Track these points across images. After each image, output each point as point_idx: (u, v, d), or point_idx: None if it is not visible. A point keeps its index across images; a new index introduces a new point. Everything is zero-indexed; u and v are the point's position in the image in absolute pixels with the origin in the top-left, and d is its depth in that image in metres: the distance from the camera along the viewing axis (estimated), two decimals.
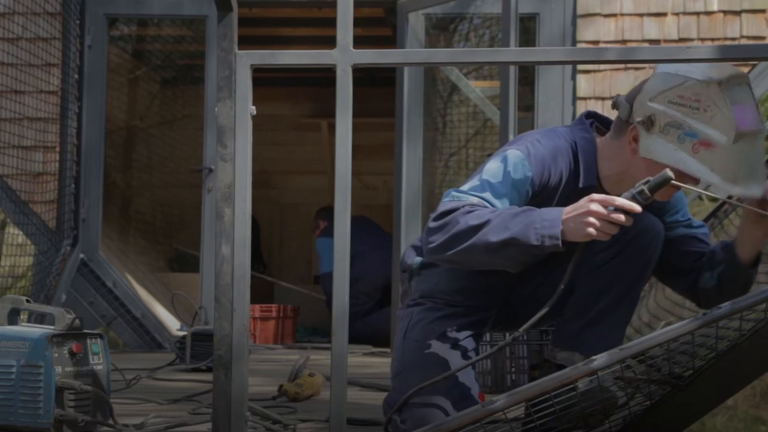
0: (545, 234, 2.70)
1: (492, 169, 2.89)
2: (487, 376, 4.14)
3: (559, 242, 2.70)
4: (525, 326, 2.83)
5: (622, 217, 2.67)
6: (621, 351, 2.62)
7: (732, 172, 2.72)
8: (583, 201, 2.71)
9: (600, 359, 2.62)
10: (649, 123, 2.80)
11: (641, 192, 2.68)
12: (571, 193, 2.96)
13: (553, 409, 2.72)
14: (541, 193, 2.92)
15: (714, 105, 2.72)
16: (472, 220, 2.76)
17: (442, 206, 2.84)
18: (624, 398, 2.91)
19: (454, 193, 2.88)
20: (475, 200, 2.83)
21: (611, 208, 2.67)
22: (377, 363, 5.69)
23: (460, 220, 2.78)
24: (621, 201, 2.68)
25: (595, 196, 2.70)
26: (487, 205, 2.83)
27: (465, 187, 2.90)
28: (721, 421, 7.38)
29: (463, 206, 2.80)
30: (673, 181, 2.67)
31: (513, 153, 2.90)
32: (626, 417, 3.01)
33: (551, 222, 2.70)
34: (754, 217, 2.90)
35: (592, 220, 2.67)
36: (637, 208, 2.68)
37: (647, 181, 2.69)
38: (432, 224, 2.84)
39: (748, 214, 2.91)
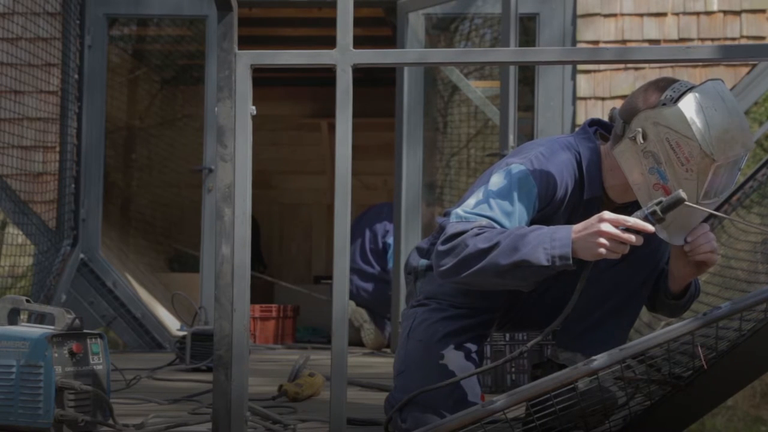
0: (555, 254, 2.69)
1: (497, 184, 2.87)
2: (487, 376, 4.14)
3: (570, 262, 2.69)
4: (531, 343, 2.84)
5: (633, 237, 2.67)
6: (621, 351, 2.63)
7: (669, 218, 2.73)
8: (593, 219, 2.70)
9: (600, 359, 2.62)
10: (641, 137, 2.79)
11: (653, 212, 2.68)
12: (576, 204, 2.96)
13: (554, 409, 2.72)
14: (547, 207, 2.91)
15: (696, 173, 2.73)
16: (481, 243, 2.76)
17: (451, 228, 2.83)
18: (624, 398, 2.91)
19: (461, 213, 2.86)
20: (484, 221, 2.82)
21: (622, 227, 2.67)
22: (377, 363, 5.69)
23: (469, 243, 2.77)
24: (633, 221, 2.67)
25: (605, 215, 2.69)
26: (496, 225, 2.82)
27: (470, 205, 2.87)
28: (721, 421, 7.39)
29: (472, 228, 2.80)
30: (687, 203, 2.67)
31: (517, 167, 2.88)
32: (626, 417, 3.02)
33: (561, 242, 2.70)
34: (676, 254, 2.92)
35: (602, 240, 2.67)
36: (650, 228, 2.67)
37: (660, 202, 2.68)
38: (441, 247, 2.83)
39: (673, 250, 2.94)
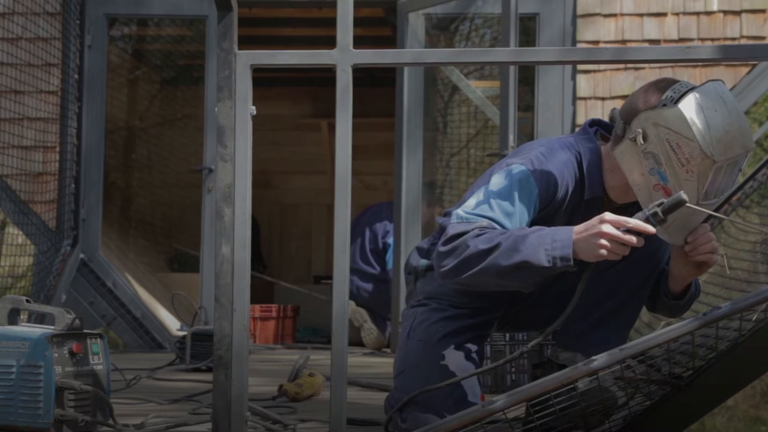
0: (557, 255, 2.69)
1: (497, 185, 2.87)
2: (487, 376, 4.14)
3: (572, 263, 2.70)
4: (531, 343, 2.84)
5: (634, 239, 2.67)
6: (621, 351, 2.63)
7: (669, 219, 2.72)
8: (594, 221, 2.70)
9: (600, 359, 2.62)
10: (641, 137, 2.79)
11: (655, 214, 2.68)
12: (576, 204, 2.95)
13: (554, 409, 2.72)
14: (548, 207, 2.91)
15: (696, 174, 2.73)
16: (482, 243, 2.75)
17: (452, 229, 2.83)
18: (624, 398, 2.91)
19: (461, 214, 2.86)
20: (485, 222, 2.82)
21: (623, 229, 2.67)
22: (377, 363, 5.69)
23: (470, 244, 2.77)
24: (634, 222, 2.67)
25: (607, 216, 2.69)
26: (497, 226, 2.81)
27: (471, 205, 2.87)
28: (721, 421, 7.39)
29: (473, 229, 2.79)
30: (688, 204, 2.67)
31: (518, 168, 2.88)
32: (626, 417, 3.02)
33: (562, 243, 2.70)
34: (677, 254, 2.92)
35: (603, 242, 2.67)
36: (651, 229, 2.67)
37: (661, 203, 2.68)
38: (442, 248, 2.83)
39: (673, 250, 2.94)
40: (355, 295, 6.91)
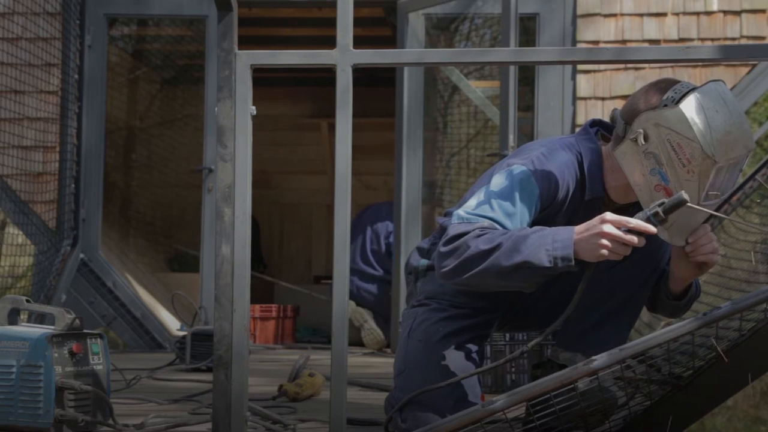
0: (558, 255, 2.69)
1: (498, 185, 2.87)
2: (487, 376, 4.14)
3: (573, 263, 2.69)
4: (531, 343, 2.84)
5: (635, 239, 2.67)
6: (621, 351, 2.63)
7: (670, 219, 2.73)
8: (595, 221, 2.70)
9: (600, 359, 2.62)
10: (642, 138, 2.79)
11: (656, 214, 2.67)
12: (577, 205, 2.95)
13: (554, 409, 2.72)
14: (549, 207, 2.91)
15: (697, 174, 2.73)
16: (483, 244, 2.75)
17: (453, 229, 2.83)
18: (624, 398, 2.91)
19: (462, 215, 2.86)
20: (486, 223, 2.81)
21: (624, 229, 2.67)
22: (377, 363, 5.69)
23: (471, 245, 2.77)
24: (635, 222, 2.67)
25: (608, 216, 2.69)
26: (497, 226, 2.81)
27: (471, 205, 2.87)
28: (721, 421, 7.38)
29: (474, 230, 2.79)
30: (689, 204, 2.66)
31: (519, 168, 2.88)
32: (626, 417, 3.02)
33: (563, 243, 2.70)
34: (677, 254, 2.92)
35: (604, 242, 2.67)
36: (653, 229, 2.67)
37: (662, 203, 2.68)
38: (443, 249, 2.83)
39: (674, 251, 2.95)
40: (355, 295, 6.91)
